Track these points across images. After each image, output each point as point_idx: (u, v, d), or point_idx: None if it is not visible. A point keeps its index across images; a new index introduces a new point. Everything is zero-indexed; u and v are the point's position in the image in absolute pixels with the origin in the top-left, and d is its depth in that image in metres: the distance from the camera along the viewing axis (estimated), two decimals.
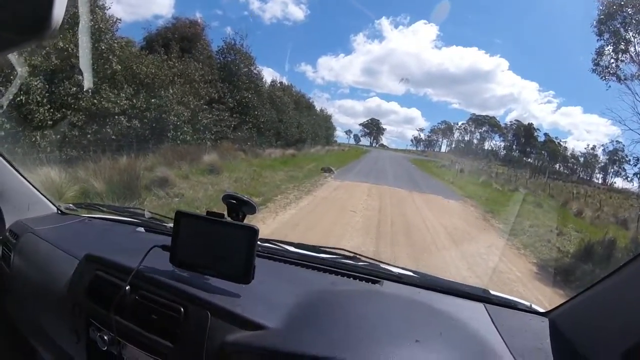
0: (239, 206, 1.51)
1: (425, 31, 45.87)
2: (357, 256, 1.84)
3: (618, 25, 15.83)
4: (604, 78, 16.63)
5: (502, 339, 1.32)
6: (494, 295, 1.60)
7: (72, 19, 10.96)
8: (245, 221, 1.49)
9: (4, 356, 2.24)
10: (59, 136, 10.88)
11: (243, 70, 21.14)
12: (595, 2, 16.37)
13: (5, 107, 9.23)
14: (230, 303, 1.37)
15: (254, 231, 1.40)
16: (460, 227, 9.37)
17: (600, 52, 16.63)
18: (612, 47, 16.23)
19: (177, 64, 16.81)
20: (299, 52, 44.54)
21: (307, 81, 38.77)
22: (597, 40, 16.64)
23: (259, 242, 1.93)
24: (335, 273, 1.73)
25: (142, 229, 2.19)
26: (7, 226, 2.22)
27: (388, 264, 1.82)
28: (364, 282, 1.67)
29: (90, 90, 11.72)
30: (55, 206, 2.45)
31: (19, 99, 9.73)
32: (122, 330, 1.46)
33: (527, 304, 1.55)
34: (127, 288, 1.49)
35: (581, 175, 38.21)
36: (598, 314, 1.26)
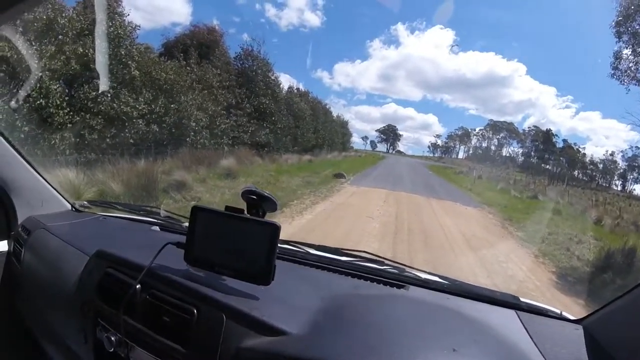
0: (259, 202, 1.42)
1: (442, 36, 45.78)
2: (381, 259, 1.77)
3: (637, 27, 15.44)
4: (623, 82, 16.27)
5: (537, 347, 1.25)
6: (523, 302, 1.52)
7: (91, 25, 11.20)
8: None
9: (13, 353, 2.22)
10: (77, 139, 11.07)
11: (260, 77, 21.21)
12: (613, 3, 16.01)
13: (20, 102, 9.44)
14: (248, 305, 1.28)
15: (275, 227, 1.31)
16: (478, 235, 9.21)
17: (618, 55, 16.16)
18: (631, 50, 15.85)
19: (195, 70, 17.01)
20: (316, 59, 44.75)
21: (324, 87, 38.96)
22: (616, 42, 16.20)
23: (278, 243, 1.91)
24: (358, 277, 1.65)
25: (157, 228, 2.11)
26: (19, 222, 2.21)
27: (413, 268, 1.73)
28: (388, 286, 1.59)
29: (109, 95, 11.92)
30: (70, 203, 2.43)
31: (38, 102, 9.97)
32: (131, 331, 1.41)
33: (558, 311, 1.47)
34: (137, 287, 1.42)
35: (600, 182, 37.53)
36: (637, 321, 1.16)
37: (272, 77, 22.49)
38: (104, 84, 8.85)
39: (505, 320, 1.39)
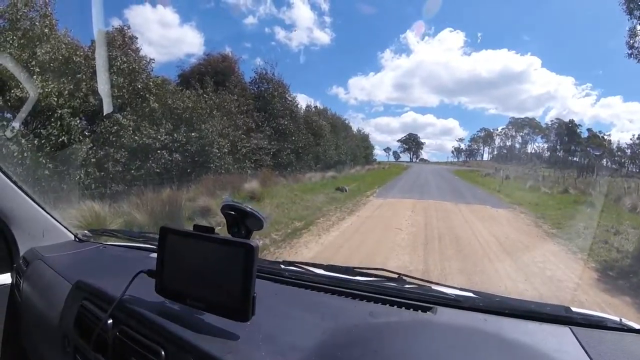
0: (241, 219, 1.24)
1: (452, 39, 45.49)
2: (402, 277, 1.58)
3: None
4: None
5: None
6: (577, 313, 1.29)
7: (107, 62, 11.52)
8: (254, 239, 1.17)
9: None
10: (102, 173, 11.34)
11: (277, 98, 21.41)
12: None
13: (43, 140, 9.69)
14: (223, 347, 1.10)
15: (249, 248, 1.09)
16: (512, 236, 8.90)
17: (633, 32, 15.68)
18: None
19: (213, 98, 17.29)
20: (330, 76, 45.13)
21: (341, 103, 39.05)
22: (628, 19, 15.68)
23: (282, 266, 1.69)
24: (374, 300, 1.42)
25: (155, 255, 2.04)
26: (21, 253, 2.21)
27: (440, 285, 1.54)
28: (411, 310, 1.36)
29: (130, 128, 12.18)
30: (73, 233, 2.42)
31: (61, 139, 10.26)
32: None
33: (617, 319, 1.24)
34: (109, 322, 1.28)
35: (630, 168, 36.35)
36: None
37: (289, 98, 22.74)
38: (105, 104, 8.97)
39: (558, 340, 1.16)
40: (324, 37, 34.95)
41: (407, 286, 1.51)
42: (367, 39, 45.81)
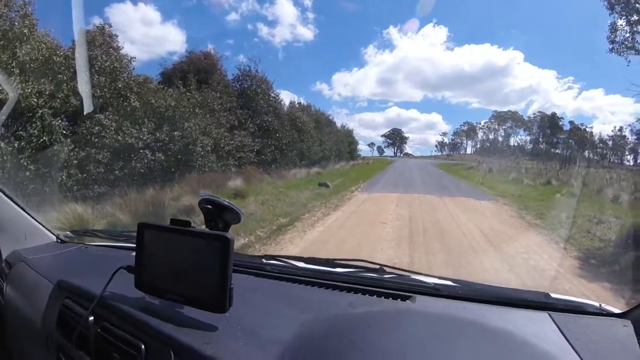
0: (218, 213, 1.25)
1: (435, 34, 45.28)
2: (382, 268, 1.59)
3: None
4: (622, 54, 16.00)
5: (579, 355, 1.03)
6: (556, 299, 1.33)
7: (88, 61, 11.38)
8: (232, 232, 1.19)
9: None
10: (84, 174, 11.20)
11: (261, 95, 21.25)
12: None
13: (24, 142, 9.54)
14: (202, 339, 1.11)
15: (225, 240, 1.11)
16: (496, 228, 9.04)
17: (614, 27, 15.82)
18: (625, 20, 15.62)
19: (195, 96, 17.11)
20: (313, 72, 44.74)
21: (324, 99, 38.85)
22: (609, 14, 15.91)
23: (264, 261, 1.75)
24: (354, 291, 1.45)
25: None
26: (4, 257, 2.20)
27: (420, 274, 1.55)
28: (390, 299, 1.38)
29: (112, 128, 12.02)
30: (55, 235, 2.41)
31: (42, 139, 10.09)
32: None
33: (597, 304, 1.27)
34: (90, 319, 1.30)
35: (612, 160, 36.88)
36: None
37: (273, 95, 22.54)
38: (85, 105, 8.86)
39: (537, 326, 1.18)
40: (307, 33, 34.72)
41: (386, 276, 1.53)
42: (350, 35, 45.60)
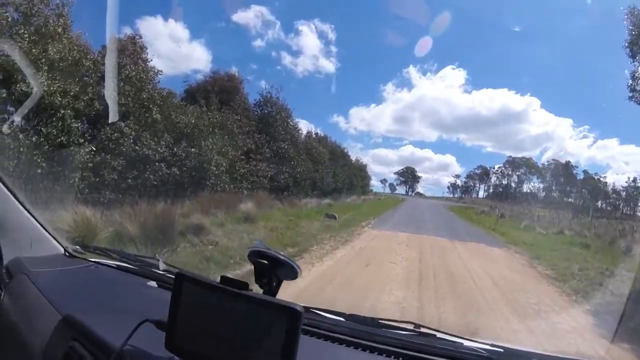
0: (272, 269, 1.13)
1: (454, 76, 45.67)
2: (433, 331, 1.47)
3: None
4: None
5: None
6: None
7: (116, 68, 11.54)
8: (282, 292, 1.04)
9: None
10: (97, 178, 11.25)
11: (279, 122, 21.45)
12: (623, 22, 15.58)
13: (42, 138, 9.59)
14: None
15: (295, 314, 0.94)
16: (507, 277, 8.91)
17: (635, 76, 15.77)
18: None
19: (216, 116, 17.28)
20: (331, 104, 45.26)
21: (340, 131, 39.14)
22: (630, 62, 15.81)
23: None
24: (402, 357, 1.31)
25: (154, 283, 1.83)
26: (4, 262, 2.01)
27: (471, 340, 1.44)
28: None
29: (131, 137, 12.12)
30: (63, 247, 2.23)
31: (59, 139, 10.17)
32: None
33: None
34: None
35: (625, 211, 36.45)
36: None
37: (291, 123, 22.81)
38: (111, 112, 8.88)
39: None
40: (328, 65, 35.23)
41: (437, 342, 1.41)
42: (370, 71, 46.19)
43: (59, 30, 10.85)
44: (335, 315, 1.57)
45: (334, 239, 12.01)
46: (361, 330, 1.46)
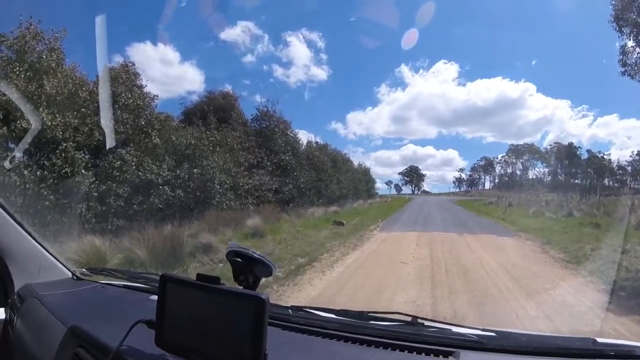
0: (248, 266, 1.19)
1: (446, 70, 45.98)
2: (419, 320, 1.49)
3: (635, 16, 15.20)
4: (634, 76, 15.91)
5: None
6: (605, 344, 1.24)
7: (111, 97, 11.65)
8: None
9: None
10: (104, 207, 11.36)
11: (279, 135, 21.62)
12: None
13: (46, 172, 9.69)
14: None
15: (260, 302, 1.01)
16: (519, 264, 8.81)
17: (624, 50, 15.97)
18: (635, 42, 15.58)
19: (215, 134, 17.44)
20: (328, 111, 45.73)
21: (340, 138, 39.40)
22: (619, 37, 15.99)
23: (290, 312, 1.66)
24: (391, 347, 1.33)
25: (156, 297, 1.90)
26: (16, 289, 2.12)
27: (461, 326, 1.46)
28: (432, 355, 1.27)
29: (133, 163, 12.23)
30: (71, 271, 2.34)
31: (64, 170, 10.30)
32: None
33: None
34: None
35: (632, 185, 36.22)
36: None
37: (291, 134, 22.99)
38: (108, 139, 8.97)
39: None
40: (321, 73, 35.63)
41: (425, 330, 1.44)
42: (363, 74, 46.66)
43: (53, 65, 10.99)
44: (327, 312, 1.62)
45: (344, 245, 11.97)
46: (351, 324, 1.51)
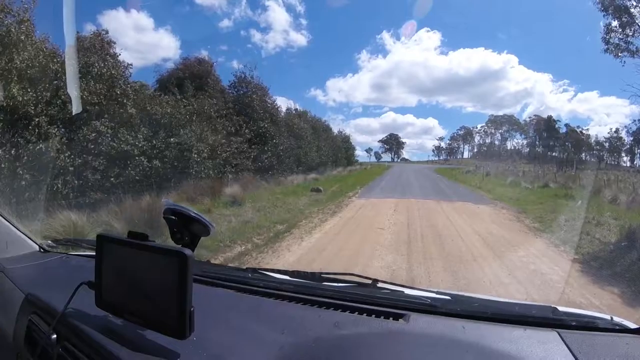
0: (185, 224, 1.16)
1: (429, 39, 45.50)
2: (375, 282, 1.47)
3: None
4: (616, 55, 16.13)
5: None
6: (565, 313, 1.21)
7: (84, 68, 11.26)
8: (200, 246, 1.10)
9: None
10: (81, 181, 11.15)
11: (257, 101, 21.22)
12: None
13: (20, 149, 9.44)
14: None
15: (183, 257, 0.98)
16: (494, 232, 9.04)
17: (609, 29, 16.14)
18: (618, 22, 15.75)
19: (192, 102, 17.06)
20: (308, 78, 44.86)
21: (320, 105, 38.91)
22: (603, 16, 16.16)
23: (248, 275, 1.63)
24: (342, 308, 1.30)
25: None
26: None
27: (416, 289, 1.44)
28: (382, 318, 1.23)
29: (108, 135, 11.94)
30: (37, 244, 2.31)
31: (38, 147, 10.02)
32: None
33: (608, 317, 1.16)
34: (53, 337, 1.21)
35: (609, 161, 37.09)
36: None
37: (269, 101, 22.62)
38: (74, 105, 8.72)
39: (544, 347, 1.04)
40: (300, 39, 34.89)
41: (378, 292, 1.41)
42: (343, 41, 45.84)
43: (22, 37, 10.49)
44: (281, 274, 1.64)
45: (322, 212, 12.11)
46: (305, 285, 1.51)
